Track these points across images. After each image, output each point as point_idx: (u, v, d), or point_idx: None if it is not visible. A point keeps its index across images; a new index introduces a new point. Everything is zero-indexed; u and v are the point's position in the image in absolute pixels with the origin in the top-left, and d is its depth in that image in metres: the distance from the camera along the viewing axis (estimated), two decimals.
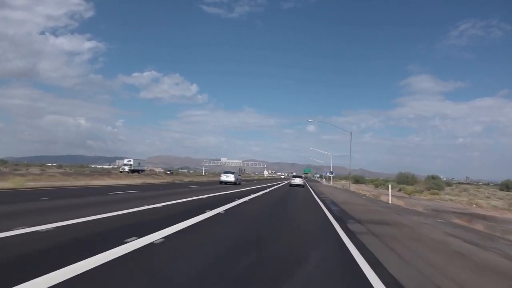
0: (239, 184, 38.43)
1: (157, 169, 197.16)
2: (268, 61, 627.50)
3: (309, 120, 43.54)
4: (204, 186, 29.53)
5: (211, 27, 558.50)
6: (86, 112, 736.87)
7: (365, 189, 46.84)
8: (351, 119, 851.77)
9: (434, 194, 37.42)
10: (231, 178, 36.72)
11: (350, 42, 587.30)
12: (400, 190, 55.18)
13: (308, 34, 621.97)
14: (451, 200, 30.92)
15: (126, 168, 69.56)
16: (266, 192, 24.99)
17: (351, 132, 46.92)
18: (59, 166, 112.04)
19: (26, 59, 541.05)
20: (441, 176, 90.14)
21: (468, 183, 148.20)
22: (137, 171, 69.68)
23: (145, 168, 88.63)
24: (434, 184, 52.83)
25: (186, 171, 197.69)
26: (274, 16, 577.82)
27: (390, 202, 22.32)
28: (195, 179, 47.16)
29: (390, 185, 25.11)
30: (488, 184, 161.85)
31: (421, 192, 42.72)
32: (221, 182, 36.19)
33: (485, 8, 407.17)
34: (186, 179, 43.75)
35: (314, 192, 29.99)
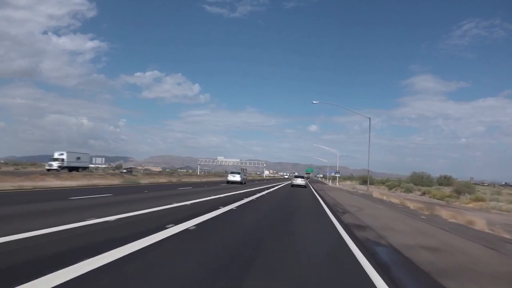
0: (245, 183, 40.48)
1: (156, 169, 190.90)
2: (270, 61, 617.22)
3: (314, 102, 37.96)
4: (132, 193, 17.91)
5: (214, 26, 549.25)
6: (88, 111, 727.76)
7: (384, 193, 38.47)
8: (353, 118, 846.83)
9: (479, 201, 29.22)
10: (237, 178, 39.52)
11: (352, 41, 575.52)
12: (424, 193, 47.02)
13: (310, 34, 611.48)
14: None
15: (55, 165, 52.85)
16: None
17: (369, 118, 39.26)
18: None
19: (29, 58, 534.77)
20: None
21: (475, 184, 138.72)
22: (76, 168, 54.71)
23: (88, 164, 64.98)
24: (465, 186, 44.70)
25: (185, 170, 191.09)
26: (276, 16, 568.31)
27: None
28: (153, 181, 34.86)
29: None
30: (494, 184, 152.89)
31: (456, 197, 34.58)
32: (228, 182, 38.43)
33: (489, 7, 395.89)
34: (143, 181, 31.73)
35: (327, 205, 17.51)
